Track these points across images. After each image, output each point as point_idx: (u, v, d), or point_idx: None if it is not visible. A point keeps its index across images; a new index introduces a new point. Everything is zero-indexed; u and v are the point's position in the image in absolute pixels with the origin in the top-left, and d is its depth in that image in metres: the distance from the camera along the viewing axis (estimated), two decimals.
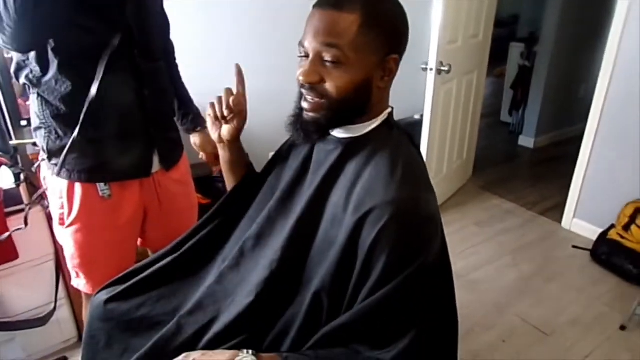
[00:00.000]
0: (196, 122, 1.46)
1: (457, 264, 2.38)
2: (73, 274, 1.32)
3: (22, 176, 1.59)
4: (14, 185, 1.55)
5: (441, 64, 2.38)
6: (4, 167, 1.56)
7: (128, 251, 1.33)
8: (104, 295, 1.04)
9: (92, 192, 1.18)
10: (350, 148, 0.87)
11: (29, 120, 1.37)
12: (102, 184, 1.18)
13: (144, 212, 1.32)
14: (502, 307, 2.09)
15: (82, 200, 1.18)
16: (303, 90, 0.85)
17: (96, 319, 1.02)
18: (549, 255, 2.50)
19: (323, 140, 0.92)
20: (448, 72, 2.39)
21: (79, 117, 1.08)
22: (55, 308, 1.69)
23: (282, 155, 1.08)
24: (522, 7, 5.07)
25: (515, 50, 4.25)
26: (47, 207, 1.64)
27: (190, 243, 1.08)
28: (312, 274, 0.84)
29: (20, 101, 1.62)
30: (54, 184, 1.20)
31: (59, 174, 1.16)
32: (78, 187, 1.18)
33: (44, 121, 1.14)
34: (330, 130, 0.89)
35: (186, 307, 0.94)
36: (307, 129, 0.87)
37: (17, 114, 1.59)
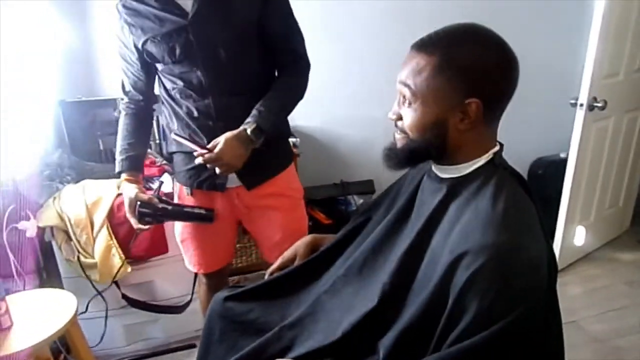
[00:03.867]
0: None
1: (597, 326, 2.09)
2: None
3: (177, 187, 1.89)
4: (171, 190, 1.84)
5: (594, 99, 2.15)
6: (166, 173, 1.88)
7: (223, 243, 1.57)
8: (225, 293, 1.18)
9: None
10: (453, 187, 0.87)
11: None
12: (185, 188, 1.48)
13: (236, 220, 1.54)
14: None
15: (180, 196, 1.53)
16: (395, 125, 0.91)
17: (215, 313, 1.16)
18: None
19: (428, 179, 0.95)
20: (602, 108, 2.15)
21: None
22: (191, 300, 1.94)
23: (390, 192, 1.12)
24: None
25: None
26: None
27: (304, 261, 1.18)
28: (404, 313, 0.86)
29: None
30: None
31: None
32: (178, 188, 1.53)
33: None
34: (432, 167, 0.92)
35: (289, 320, 1.02)
36: (394, 160, 0.91)
37: None
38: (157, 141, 2.08)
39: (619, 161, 2.56)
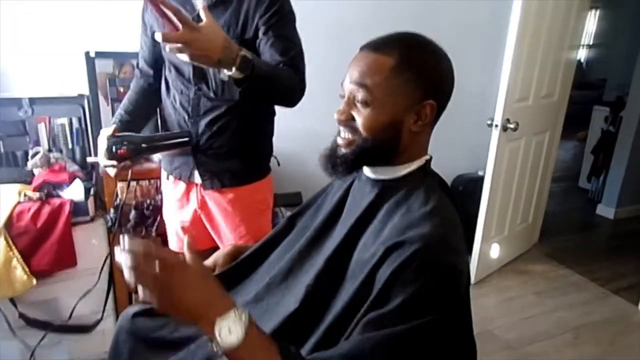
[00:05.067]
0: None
1: (511, 333, 2.20)
2: None
3: (92, 190, 1.75)
4: (82, 198, 1.70)
5: (507, 120, 2.31)
6: (77, 180, 1.73)
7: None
8: (134, 309, 1.09)
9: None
10: (385, 189, 0.87)
11: None
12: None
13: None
14: None
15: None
16: (340, 127, 0.89)
17: (124, 330, 1.07)
18: (618, 340, 2.23)
19: (359, 183, 0.94)
20: (515, 129, 2.31)
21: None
22: (102, 318, 1.79)
23: (317, 197, 1.10)
24: (611, 71, 4.84)
25: (599, 114, 4.03)
26: (109, 221, 1.78)
27: (221, 271, 1.12)
28: (331, 309, 0.83)
29: None
30: None
31: None
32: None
33: None
34: (364, 170, 0.92)
35: (203, 336, 0.96)
36: (335, 164, 0.89)
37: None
38: (70, 146, 1.92)
39: (529, 180, 2.77)
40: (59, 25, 1.99)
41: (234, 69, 1.07)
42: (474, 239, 2.49)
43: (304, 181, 2.32)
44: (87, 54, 1.92)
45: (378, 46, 0.84)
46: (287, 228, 1.10)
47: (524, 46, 2.28)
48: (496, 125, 2.31)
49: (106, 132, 1.28)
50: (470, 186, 2.83)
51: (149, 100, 1.48)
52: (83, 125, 1.94)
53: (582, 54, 7.39)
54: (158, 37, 0.98)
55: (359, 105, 0.84)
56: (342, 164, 0.88)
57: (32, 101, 1.85)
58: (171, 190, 1.52)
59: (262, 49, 1.28)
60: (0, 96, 1.85)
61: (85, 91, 1.95)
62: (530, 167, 2.72)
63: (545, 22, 2.39)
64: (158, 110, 1.58)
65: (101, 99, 1.95)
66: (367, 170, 0.92)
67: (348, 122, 0.86)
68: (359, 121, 0.84)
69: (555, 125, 2.85)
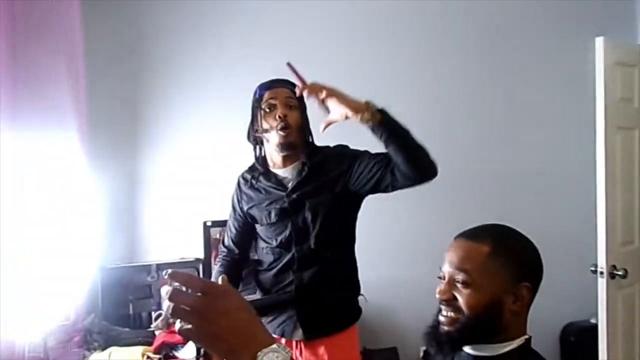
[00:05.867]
0: None
1: None
2: None
3: (201, 351, 1.90)
4: (194, 358, 1.85)
5: (614, 267, 2.18)
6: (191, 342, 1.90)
7: None
8: None
9: None
10: None
11: None
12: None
13: None
14: None
15: None
16: (441, 306, 0.96)
17: None
18: None
19: (459, 357, 0.97)
20: (623, 277, 2.16)
21: None
22: None
23: None
24: None
25: None
26: None
27: None
28: None
29: None
30: None
31: None
32: None
33: None
34: (464, 347, 0.95)
35: None
36: (441, 341, 0.94)
37: None
38: None
39: None
40: (181, 196, 2.38)
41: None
42: None
43: (400, 336, 2.31)
44: (204, 223, 2.25)
45: (472, 235, 0.96)
46: None
47: (617, 185, 2.24)
48: (602, 273, 2.18)
49: None
50: (583, 336, 2.57)
51: (234, 274, 1.63)
52: None
53: None
54: None
55: (459, 286, 0.92)
56: (448, 341, 0.94)
57: (159, 267, 2.16)
58: None
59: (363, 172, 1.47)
60: (135, 264, 2.19)
61: (201, 255, 2.24)
62: None
63: (635, 154, 2.37)
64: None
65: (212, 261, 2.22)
66: (467, 348, 0.96)
67: (450, 301, 0.94)
68: (462, 300, 0.92)
69: None
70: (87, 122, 1.83)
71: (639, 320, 2.38)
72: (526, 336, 0.94)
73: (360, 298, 1.68)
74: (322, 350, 1.54)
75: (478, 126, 2.66)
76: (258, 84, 1.58)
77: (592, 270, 2.24)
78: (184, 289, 0.62)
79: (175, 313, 0.61)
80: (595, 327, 2.36)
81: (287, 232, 1.54)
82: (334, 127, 1.41)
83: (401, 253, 2.50)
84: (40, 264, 1.70)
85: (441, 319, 0.96)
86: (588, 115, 2.35)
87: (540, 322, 2.75)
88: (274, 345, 0.62)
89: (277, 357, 0.60)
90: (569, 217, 2.70)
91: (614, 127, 2.23)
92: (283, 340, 1.57)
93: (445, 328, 0.94)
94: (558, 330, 2.68)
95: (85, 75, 1.62)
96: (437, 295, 0.95)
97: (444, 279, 0.96)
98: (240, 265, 1.68)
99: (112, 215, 2.22)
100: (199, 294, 0.62)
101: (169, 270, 0.66)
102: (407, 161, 1.32)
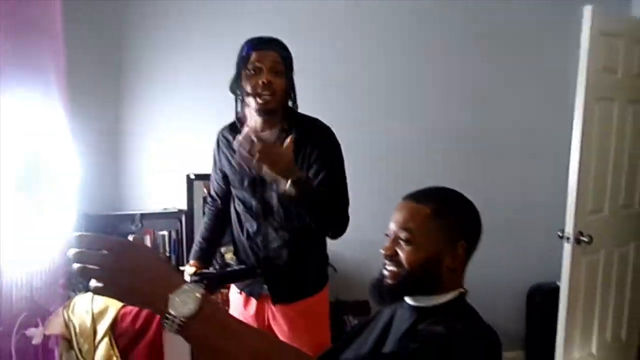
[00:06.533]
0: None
1: None
2: None
3: None
4: None
5: (580, 234, 2.26)
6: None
7: None
8: None
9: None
10: (422, 315, 1.00)
11: None
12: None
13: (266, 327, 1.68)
14: None
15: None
16: (385, 261, 1.05)
17: None
18: None
19: (401, 310, 1.07)
20: (589, 243, 2.26)
21: None
22: None
23: (369, 322, 1.22)
24: None
25: None
26: None
27: None
28: None
29: None
30: None
31: None
32: None
33: None
34: (405, 298, 1.05)
35: None
36: (383, 293, 1.04)
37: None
38: (168, 254, 2.24)
39: (617, 296, 2.58)
40: (165, 149, 2.42)
41: (289, 183, 1.34)
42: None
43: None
44: (187, 176, 2.30)
45: (417, 197, 1.04)
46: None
47: (591, 154, 2.29)
48: (567, 238, 2.27)
49: (188, 271, 1.55)
50: (549, 297, 2.70)
51: (221, 224, 1.76)
52: (180, 237, 2.27)
53: None
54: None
55: (402, 243, 1.01)
56: (389, 293, 1.03)
57: (143, 216, 2.23)
58: (241, 304, 1.71)
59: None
60: (119, 212, 2.26)
61: (184, 207, 2.31)
62: (616, 282, 2.56)
63: (613, 125, 2.39)
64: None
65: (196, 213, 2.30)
66: (408, 299, 1.05)
67: (393, 257, 1.02)
68: (403, 256, 1.01)
69: None
70: (68, 74, 1.84)
71: (600, 285, 2.49)
72: (461, 290, 1.02)
73: (329, 269, 1.76)
74: (291, 312, 1.63)
75: (455, 86, 2.68)
76: (246, 38, 1.52)
77: (559, 236, 2.33)
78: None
79: (84, 273, 0.64)
80: (559, 289, 2.48)
81: (255, 202, 1.60)
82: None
83: (378, 209, 2.58)
84: (24, 211, 1.76)
85: (385, 272, 1.04)
86: (569, 83, 2.37)
87: (509, 283, 2.94)
88: (185, 287, 0.65)
89: (188, 296, 0.64)
90: (543, 184, 2.77)
91: (594, 97, 2.25)
92: (254, 300, 1.67)
93: (389, 281, 1.03)
94: (526, 291, 2.82)
95: (63, 24, 1.61)
96: (382, 251, 1.03)
97: (391, 237, 1.04)
98: (226, 214, 1.75)
99: (98, 166, 2.26)
100: (104, 252, 0.64)
101: (76, 234, 0.66)
102: (315, 223, 1.50)
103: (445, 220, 1.00)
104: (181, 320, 0.63)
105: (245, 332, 0.71)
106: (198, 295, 0.65)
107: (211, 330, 0.66)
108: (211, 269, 1.67)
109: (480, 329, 0.96)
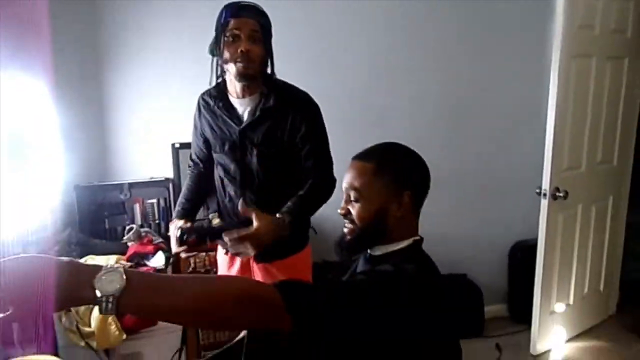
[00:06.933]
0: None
1: None
2: None
3: (171, 259, 2.10)
4: (163, 266, 2.05)
5: (557, 189, 2.33)
6: (160, 251, 2.09)
7: None
8: None
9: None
10: (377, 263, 1.07)
11: None
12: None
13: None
14: None
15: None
16: (344, 220, 1.12)
17: None
18: None
19: (363, 260, 1.15)
20: (564, 198, 2.33)
21: None
22: None
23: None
24: None
25: None
26: None
27: None
28: None
29: None
30: None
31: None
32: None
33: None
34: (366, 250, 1.12)
35: None
36: (343, 249, 1.12)
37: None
38: (157, 221, 2.32)
39: (593, 247, 2.67)
40: (150, 119, 2.46)
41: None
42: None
43: None
44: (173, 145, 2.36)
45: (362, 156, 1.09)
46: None
47: (568, 111, 2.34)
48: (544, 194, 2.34)
49: (178, 223, 1.59)
50: (529, 253, 2.79)
51: (202, 186, 1.78)
52: (168, 204, 2.34)
53: None
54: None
55: (352, 201, 1.07)
56: (347, 248, 1.11)
57: (131, 185, 2.30)
58: (226, 263, 1.80)
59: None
60: (108, 182, 2.33)
61: (170, 175, 2.37)
62: (593, 235, 2.65)
63: (590, 82, 2.43)
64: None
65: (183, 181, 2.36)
66: (369, 250, 1.13)
67: (347, 215, 1.09)
68: (354, 214, 1.07)
69: (619, 191, 2.76)
70: (51, 46, 1.87)
71: (578, 240, 2.58)
72: (416, 237, 1.08)
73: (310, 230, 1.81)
74: (274, 270, 1.69)
75: (431, 52, 2.68)
76: (225, 3, 1.52)
77: (537, 192, 2.41)
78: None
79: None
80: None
81: (234, 166, 1.64)
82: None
83: None
84: (15, 183, 1.83)
85: (344, 230, 1.11)
86: (546, 40, 2.38)
87: (492, 240, 3.00)
88: (104, 269, 0.67)
89: (112, 275, 0.66)
90: (525, 143, 2.81)
91: (570, 54, 2.27)
92: (238, 260, 1.74)
93: (347, 238, 1.10)
94: (508, 247, 2.91)
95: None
96: (338, 211, 1.10)
97: (344, 197, 1.10)
98: (207, 178, 1.79)
99: (86, 141, 2.32)
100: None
101: None
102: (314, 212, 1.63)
103: (388, 173, 1.04)
104: (114, 297, 0.65)
105: (177, 283, 0.75)
106: (120, 269, 0.67)
107: (145, 296, 0.69)
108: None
109: (429, 272, 1.03)
